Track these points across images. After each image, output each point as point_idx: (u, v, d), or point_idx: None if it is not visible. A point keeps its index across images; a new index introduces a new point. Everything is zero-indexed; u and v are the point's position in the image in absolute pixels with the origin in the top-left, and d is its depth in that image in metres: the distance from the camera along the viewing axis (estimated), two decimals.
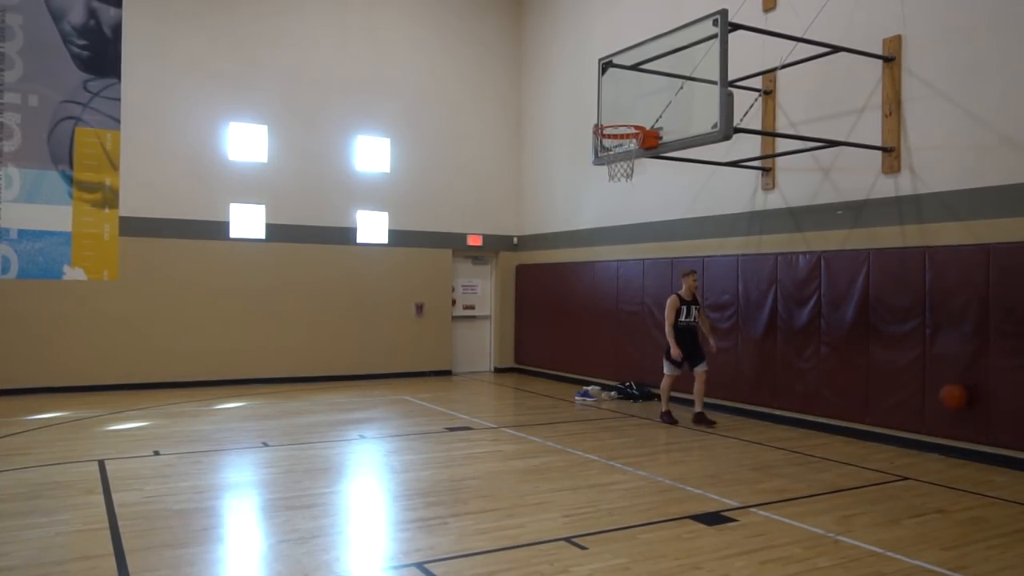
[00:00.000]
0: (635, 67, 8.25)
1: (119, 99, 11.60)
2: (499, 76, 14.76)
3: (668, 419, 9.34)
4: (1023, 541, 4.91)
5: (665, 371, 9.36)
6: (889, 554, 4.60)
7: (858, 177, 8.44)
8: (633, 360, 11.54)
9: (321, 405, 10.45)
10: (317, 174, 13.03)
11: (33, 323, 11.04)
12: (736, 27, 7.23)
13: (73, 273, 11.34)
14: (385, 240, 13.60)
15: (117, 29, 11.61)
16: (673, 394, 9.50)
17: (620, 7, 12.29)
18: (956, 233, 7.49)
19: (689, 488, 6.16)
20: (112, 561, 4.39)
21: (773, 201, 9.54)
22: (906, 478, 6.58)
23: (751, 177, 9.79)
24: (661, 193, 11.24)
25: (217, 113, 12.29)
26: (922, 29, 7.87)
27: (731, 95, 7.00)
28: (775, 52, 8.56)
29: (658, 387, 9.43)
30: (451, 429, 8.75)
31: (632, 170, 8.33)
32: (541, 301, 13.96)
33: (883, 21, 8.20)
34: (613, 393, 11.45)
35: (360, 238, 13.40)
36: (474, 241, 14.43)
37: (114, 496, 5.75)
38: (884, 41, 8.15)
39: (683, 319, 9.16)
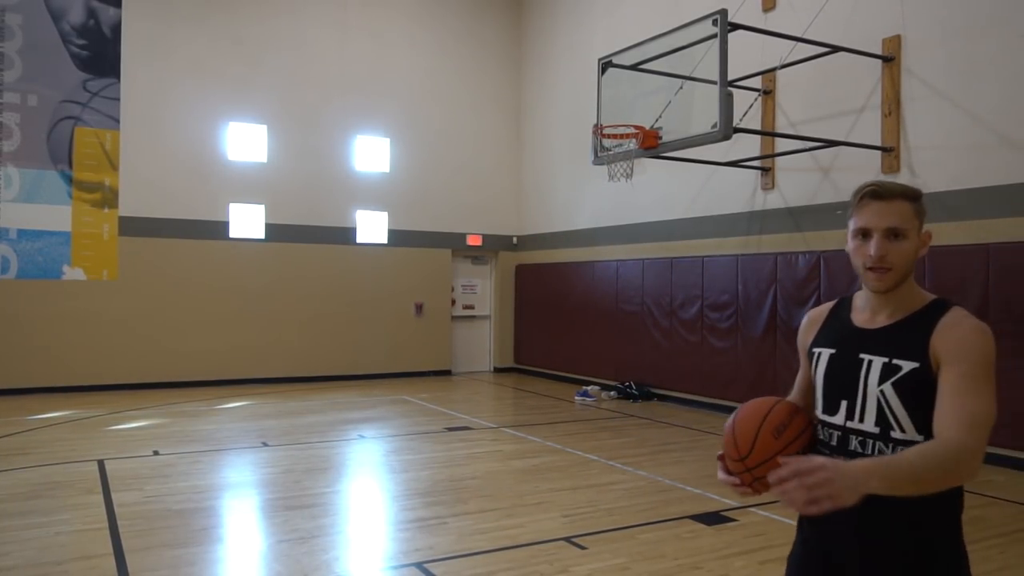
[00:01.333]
0: (635, 67, 8.25)
1: (119, 99, 11.59)
2: (499, 76, 14.76)
3: None
4: (1022, 541, 4.92)
5: None
6: None
7: (858, 177, 8.43)
8: (633, 360, 11.54)
9: (321, 405, 10.45)
10: (317, 174, 13.02)
11: (33, 323, 11.04)
12: (736, 27, 7.23)
13: (73, 273, 11.33)
14: (385, 240, 13.60)
15: (117, 29, 11.61)
16: (674, 393, 9.47)
17: (620, 7, 12.29)
18: (956, 233, 7.50)
19: (689, 488, 6.16)
20: (112, 561, 4.40)
21: (772, 201, 9.55)
22: None
23: (750, 177, 9.79)
24: (660, 193, 11.24)
25: (217, 113, 12.29)
26: (922, 29, 7.87)
27: (731, 95, 7.01)
28: (775, 52, 8.56)
29: (657, 386, 9.38)
30: (451, 429, 8.75)
31: (632, 170, 8.34)
32: (541, 301, 13.96)
33: (883, 21, 8.20)
34: (613, 393, 11.46)
35: (360, 238, 13.40)
36: (474, 241, 14.42)
37: (114, 496, 5.75)
38: (883, 41, 8.15)
39: None
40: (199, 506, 5.59)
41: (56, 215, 11.22)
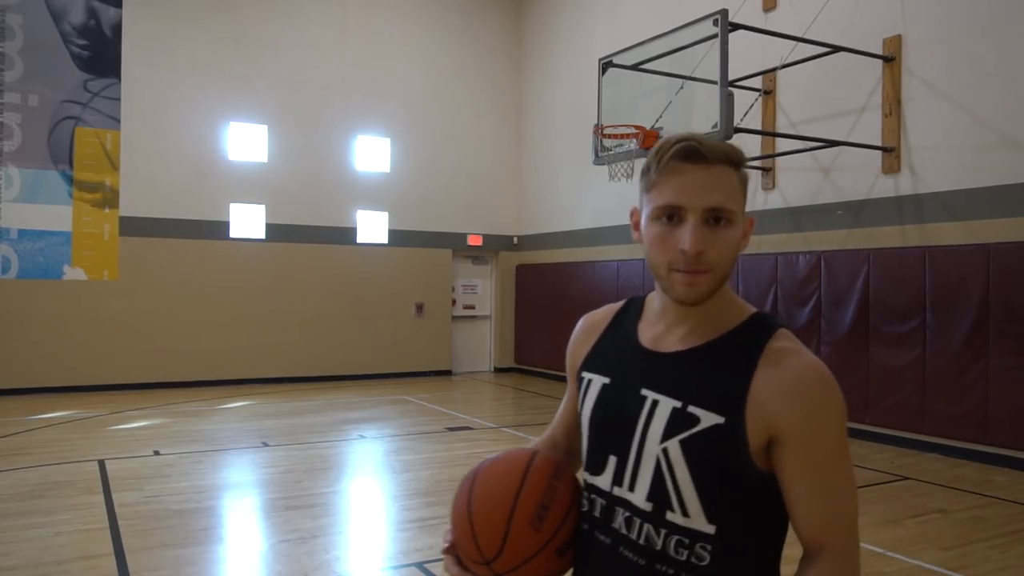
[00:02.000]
0: (635, 67, 8.25)
1: (119, 99, 11.60)
2: (499, 76, 14.76)
3: None
4: (1023, 541, 4.91)
5: None
6: (889, 554, 4.60)
7: (858, 177, 8.44)
8: None
9: (321, 405, 10.45)
10: (317, 174, 13.02)
11: (33, 323, 11.04)
12: (736, 27, 7.23)
13: (73, 273, 11.34)
14: (385, 240, 13.60)
15: (117, 29, 11.61)
16: None
17: (620, 7, 12.29)
18: (956, 233, 7.50)
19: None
20: (112, 561, 4.40)
21: (773, 201, 9.55)
22: (906, 478, 6.59)
23: (751, 177, 9.79)
24: None
25: (217, 113, 12.29)
26: (922, 29, 7.87)
27: (731, 95, 7.00)
28: (775, 52, 8.56)
29: None
30: (451, 429, 8.75)
31: (632, 170, 8.33)
32: (541, 301, 13.96)
33: (883, 21, 8.20)
34: None
35: (360, 238, 13.40)
36: (474, 241, 14.42)
37: (114, 496, 5.75)
38: (884, 41, 8.15)
39: None
40: (199, 506, 5.59)
41: (57, 215, 11.23)
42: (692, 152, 1.22)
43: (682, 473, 1.21)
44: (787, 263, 9.09)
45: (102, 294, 11.48)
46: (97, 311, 11.43)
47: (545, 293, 13.83)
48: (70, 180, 11.32)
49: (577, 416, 1.44)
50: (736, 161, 1.25)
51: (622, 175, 8.30)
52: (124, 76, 11.64)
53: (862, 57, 8.10)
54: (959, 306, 7.31)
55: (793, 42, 7.91)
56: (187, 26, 12.09)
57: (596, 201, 12.67)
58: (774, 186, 9.52)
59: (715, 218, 1.21)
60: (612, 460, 1.30)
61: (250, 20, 12.54)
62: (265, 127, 12.62)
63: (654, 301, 1.37)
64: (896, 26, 8.08)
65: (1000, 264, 7.02)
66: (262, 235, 12.60)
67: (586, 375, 1.39)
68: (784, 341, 1.25)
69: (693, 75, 7.41)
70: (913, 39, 7.94)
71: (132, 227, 11.65)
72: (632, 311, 1.42)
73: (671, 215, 1.22)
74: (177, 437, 8.11)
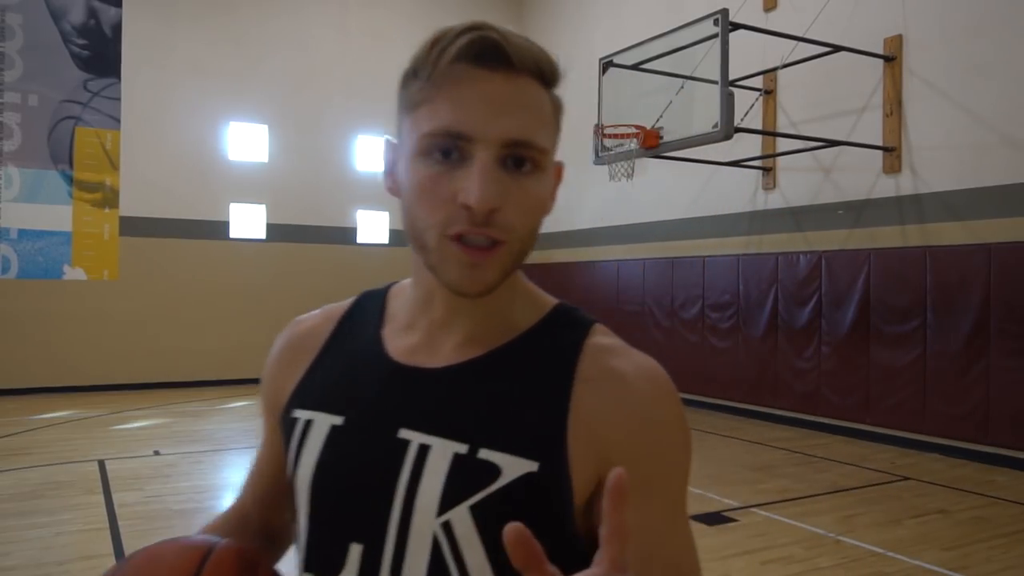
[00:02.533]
0: (636, 67, 8.25)
1: (119, 99, 11.58)
2: None
3: None
4: None
5: None
6: (890, 554, 4.59)
7: (859, 177, 8.43)
8: None
9: None
10: (317, 174, 13.02)
11: (34, 323, 11.04)
12: (737, 27, 7.23)
13: (73, 273, 11.33)
14: (386, 240, 13.60)
15: (117, 29, 11.60)
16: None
17: (621, 7, 12.28)
18: (957, 233, 7.49)
19: (689, 488, 6.15)
20: (113, 561, 4.39)
21: (774, 201, 9.54)
22: (907, 478, 6.58)
23: (752, 177, 9.78)
24: (661, 193, 11.23)
25: (217, 113, 12.29)
26: (922, 29, 7.87)
27: (732, 95, 7.00)
28: (776, 51, 8.55)
29: None
30: None
31: (633, 170, 8.34)
32: None
33: (884, 20, 8.20)
34: None
35: (360, 238, 13.39)
36: None
37: (114, 496, 5.75)
38: (885, 40, 8.15)
39: None
40: (200, 506, 5.59)
41: (57, 215, 11.22)
42: (490, 49, 0.81)
43: (475, 557, 0.76)
44: (788, 263, 9.09)
45: (102, 294, 11.48)
46: (97, 311, 11.43)
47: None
48: (70, 180, 11.32)
49: (281, 478, 0.93)
50: (550, 76, 0.81)
51: (622, 175, 8.30)
52: (124, 76, 11.62)
53: (863, 57, 8.09)
54: (960, 306, 7.31)
55: (793, 42, 7.91)
56: (187, 26, 12.09)
57: (596, 201, 12.66)
58: (775, 186, 9.52)
59: (516, 159, 0.78)
60: (355, 551, 0.81)
61: (250, 20, 12.54)
62: (265, 127, 12.62)
63: (404, 293, 0.93)
64: (896, 26, 8.08)
65: (1001, 264, 7.02)
66: (262, 235, 12.60)
67: (300, 414, 0.89)
68: (604, 338, 0.89)
69: (693, 75, 7.41)
70: (913, 39, 7.94)
71: (132, 227, 11.65)
72: (368, 311, 0.94)
73: (449, 149, 0.78)
74: (177, 437, 8.10)
